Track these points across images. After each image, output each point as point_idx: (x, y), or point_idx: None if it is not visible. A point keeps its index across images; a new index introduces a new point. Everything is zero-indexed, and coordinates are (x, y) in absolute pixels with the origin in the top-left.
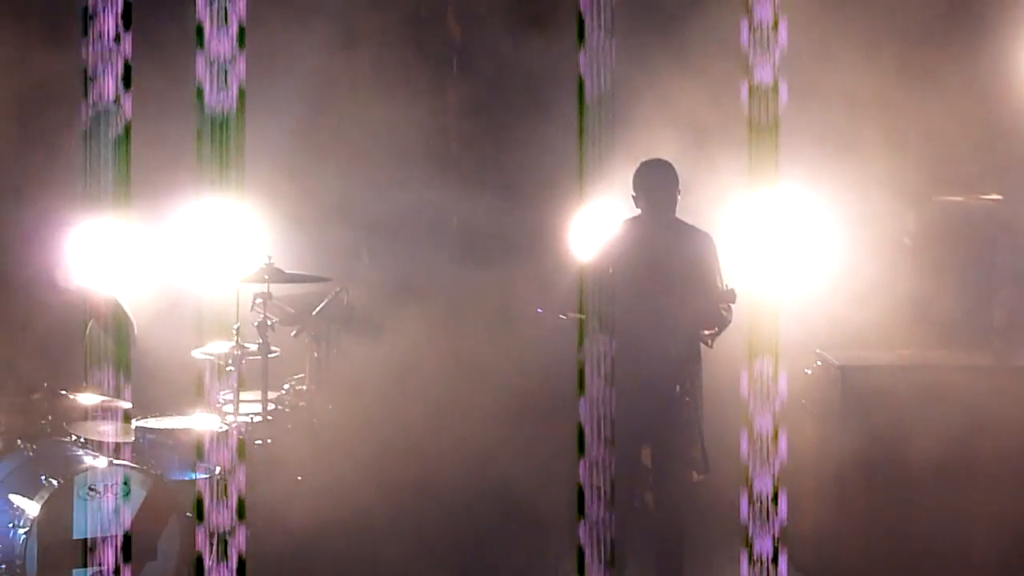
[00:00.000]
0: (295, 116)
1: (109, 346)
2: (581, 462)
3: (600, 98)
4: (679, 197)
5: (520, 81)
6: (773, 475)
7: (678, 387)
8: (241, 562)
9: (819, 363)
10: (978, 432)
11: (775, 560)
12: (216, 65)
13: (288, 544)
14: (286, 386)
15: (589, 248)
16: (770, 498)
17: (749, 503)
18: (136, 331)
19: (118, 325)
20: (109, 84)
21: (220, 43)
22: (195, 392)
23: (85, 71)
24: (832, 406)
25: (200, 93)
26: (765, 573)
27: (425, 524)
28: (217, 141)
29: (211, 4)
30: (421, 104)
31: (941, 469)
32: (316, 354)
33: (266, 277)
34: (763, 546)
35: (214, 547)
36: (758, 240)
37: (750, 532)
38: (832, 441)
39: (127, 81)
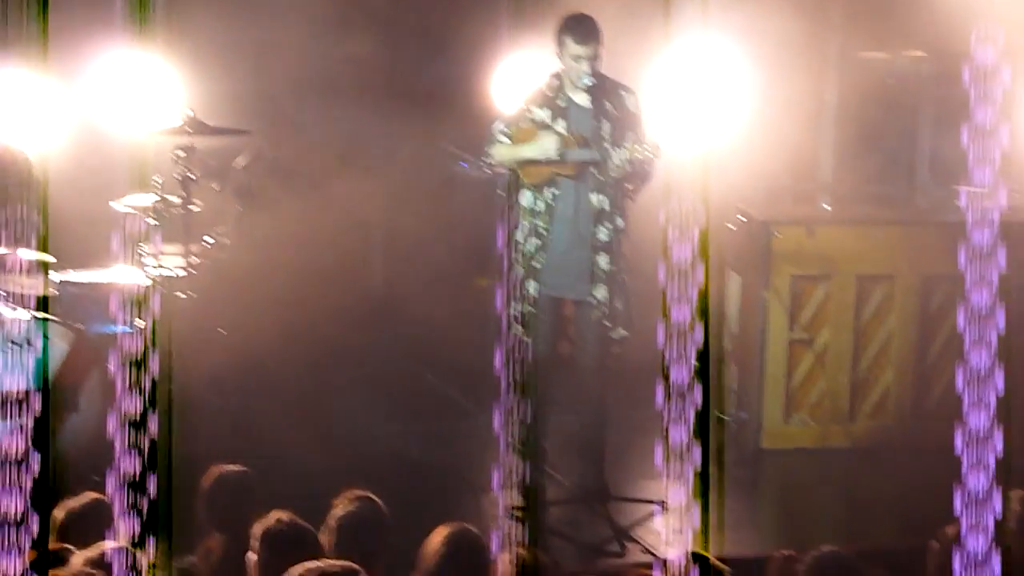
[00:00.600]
0: None
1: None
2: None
3: None
4: (602, 52)
5: None
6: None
7: (601, 239)
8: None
9: (742, 218)
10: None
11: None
12: None
13: (212, 395)
14: (209, 240)
15: (512, 101)
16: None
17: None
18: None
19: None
20: None
21: None
22: (117, 245)
23: None
24: (756, 261)
25: None
26: (679, 461)
27: (342, 380)
28: None
29: None
30: None
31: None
32: (239, 208)
33: (188, 130)
34: (679, 435)
35: (135, 400)
36: (681, 95)
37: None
38: (756, 295)
39: None
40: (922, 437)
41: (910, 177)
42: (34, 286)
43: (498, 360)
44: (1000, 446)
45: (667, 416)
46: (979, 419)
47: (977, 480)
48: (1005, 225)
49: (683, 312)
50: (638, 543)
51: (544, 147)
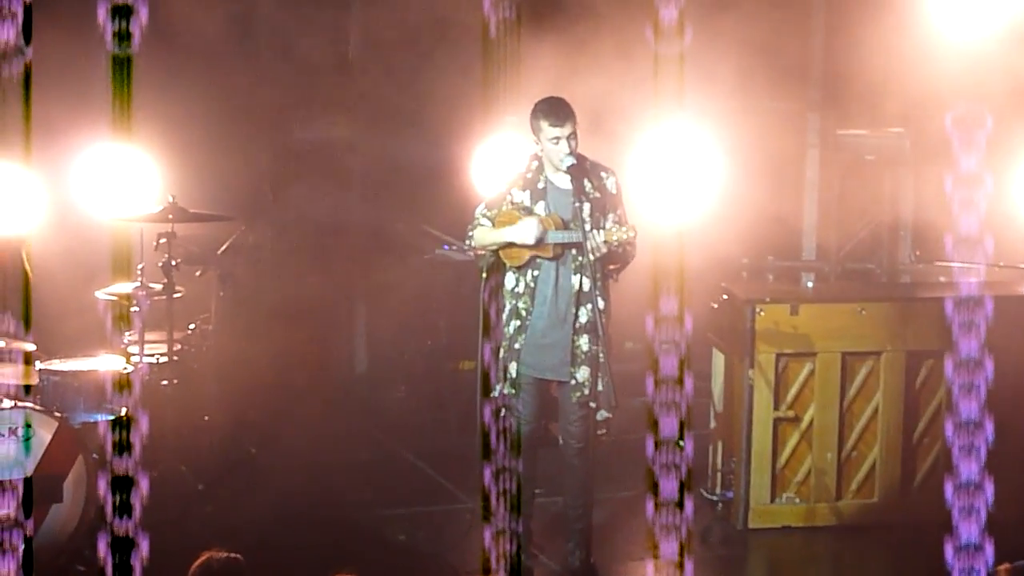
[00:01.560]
0: (197, 57)
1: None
2: (486, 404)
3: (504, 35)
4: (578, 132)
5: (423, 16)
6: (679, 416)
7: (582, 320)
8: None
9: (725, 297)
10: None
11: (680, 503)
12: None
13: (194, 483)
14: (191, 326)
15: (491, 182)
16: (676, 440)
17: (655, 446)
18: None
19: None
20: (9, 30)
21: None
22: (99, 334)
23: None
24: (740, 339)
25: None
26: (673, 514)
27: (330, 463)
28: (118, 85)
29: None
30: (323, 41)
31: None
32: (222, 293)
33: (169, 216)
34: (670, 488)
35: (118, 490)
36: (662, 175)
37: (656, 474)
38: (740, 373)
39: (27, 29)
40: (909, 513)
41: (893, 253)
42: (16, 375)
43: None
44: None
45: (655, 496)
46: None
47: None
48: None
49: (670, 392)
50: None
51: (524, 232)
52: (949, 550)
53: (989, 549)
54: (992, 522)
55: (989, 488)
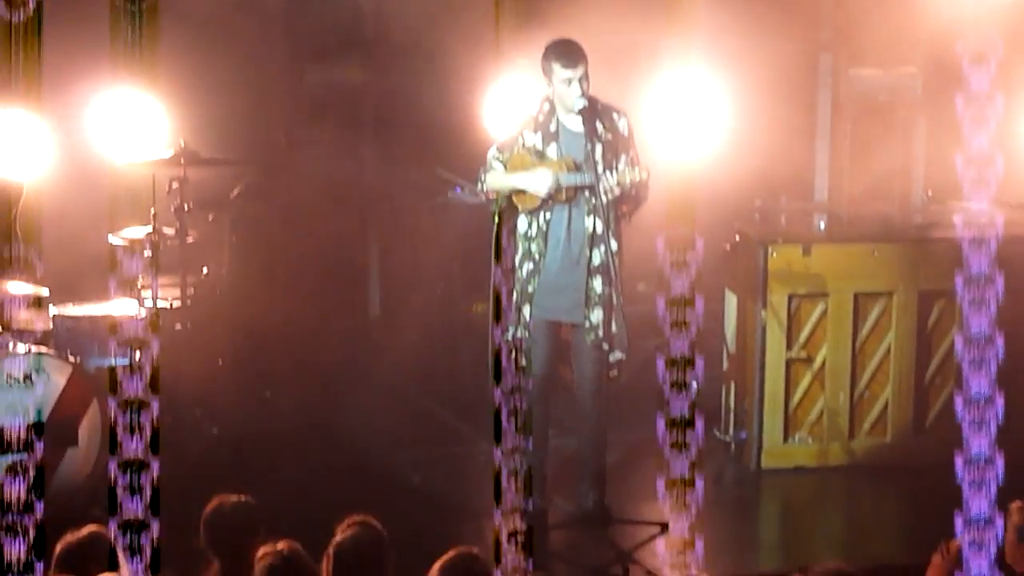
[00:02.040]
0: (204, 4)
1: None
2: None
3: None
4: (589, 74)
5: None
6: (689, 341)
7: (596, 262)
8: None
9: (737, 238)
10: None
11: (691, 424)
12: None
13: (209, 427)
14: (204, 271)
15: (503, 125)
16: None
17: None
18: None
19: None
20: None
21: None
22: (112, 277)
23: None
24: (752, 280)
25: None
26: (686, 455)
27: (344, 406)
28: (129, 30)
29: None
30: None
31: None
32: (234, 239)
33: (181, 160)
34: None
35: (132, 432)
36: (673, 116)
37: (668, 415)
38: (752, 314)
39: None
40: (921, 454)
41: (905, 194)
42: (30, 320)
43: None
44: (1001, 468)
45: (667, 438)
46: (980, 443)
47: (980, 503)
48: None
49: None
50: (641, 565)
51: (537, 183)
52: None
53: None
54: (1006, 460)
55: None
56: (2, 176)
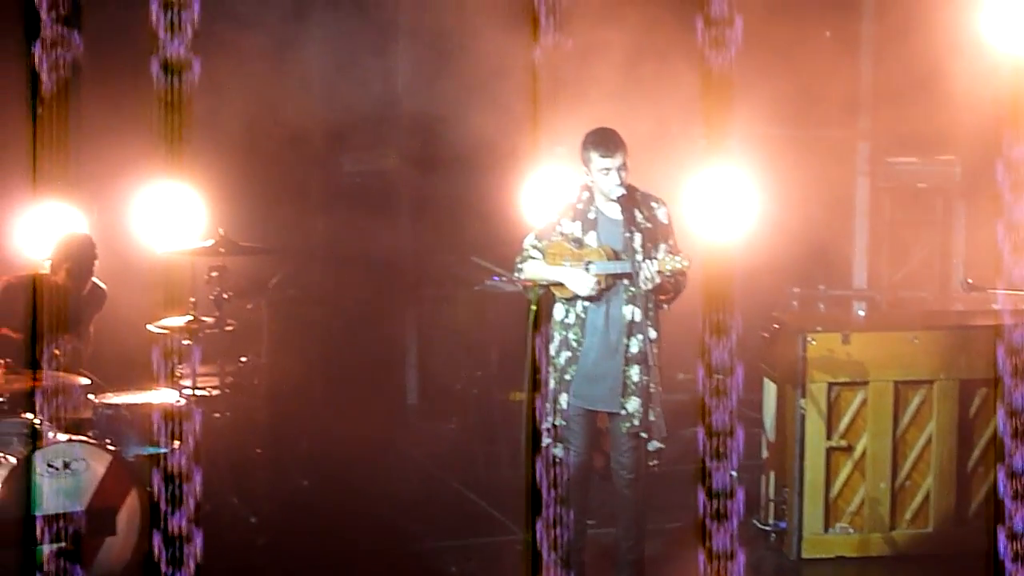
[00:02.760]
0: (242, 97)
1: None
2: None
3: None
4: (628, 163)
5: (467, 44)
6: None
7: (633, 351)
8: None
9: (776, 326)
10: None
11: (733, 534)
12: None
13: (247, 515)
14: (243, 359)
15: (540, 213)
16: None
17: (707, 476)
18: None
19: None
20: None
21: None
22: (152, 367)
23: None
24: (791, 368)
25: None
26: (726, 545)
27: (381, 494)
28: (167, 124)
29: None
30: (368, 74)
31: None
32: (273, 327)
33: (221, 250)
34: (723, 519)
35: (172, 522)
36: (712, 206)
37: (708, 505)
38: (792, 403)
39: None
40: (964, 543)
41: (945, 281)
42: (72, 409)
43: (536, 474)
44: None
45: (707, 527)
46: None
47: None
48: None
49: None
50: None
51: (579, 283)
52: None
53: None
54: None
55: None
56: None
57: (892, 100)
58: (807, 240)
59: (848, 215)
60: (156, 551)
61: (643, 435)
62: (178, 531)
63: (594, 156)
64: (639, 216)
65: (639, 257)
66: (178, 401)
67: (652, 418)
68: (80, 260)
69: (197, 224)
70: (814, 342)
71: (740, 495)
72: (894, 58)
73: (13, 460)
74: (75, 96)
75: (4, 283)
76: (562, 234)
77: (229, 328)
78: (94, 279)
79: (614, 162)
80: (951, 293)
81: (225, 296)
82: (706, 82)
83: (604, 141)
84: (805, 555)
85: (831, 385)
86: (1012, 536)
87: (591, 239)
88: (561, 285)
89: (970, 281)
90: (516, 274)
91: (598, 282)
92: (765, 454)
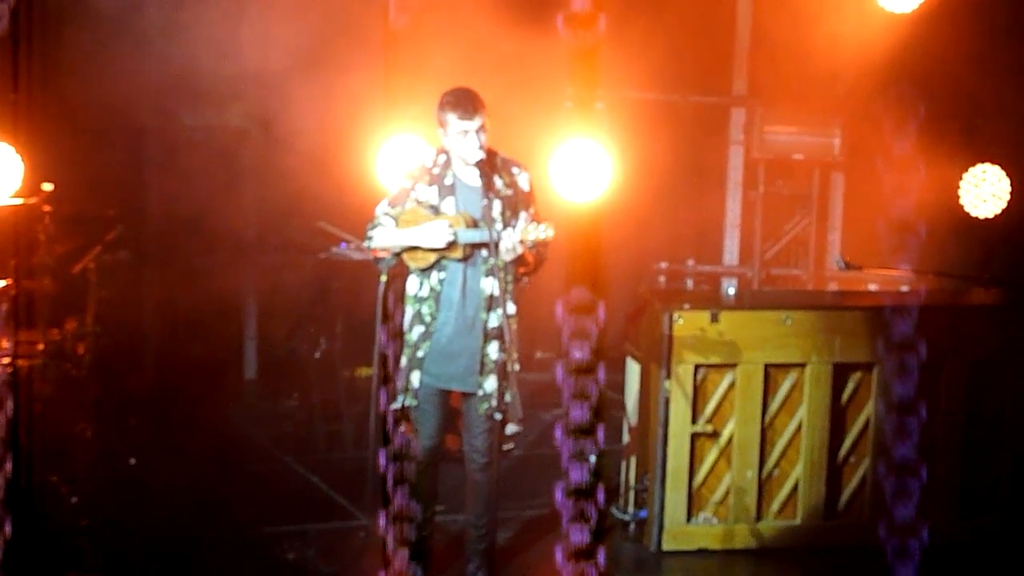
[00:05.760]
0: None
1: None
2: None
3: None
4: (487, 125)
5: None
6: (591, 430)
7: (492, 326)
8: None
9: (641, 303)
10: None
11: (590, 523)
12: None
13: (68, 495)
14: (68, 326)
15: (395, 180)
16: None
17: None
18: None
19: None
20: None
21: None
22: None
23: None
24: (656, 348)
25: None
26: (583, 535)
27: (216, 475)
28: None
29: None
30: (213, 29)
31: None
32: (102, 293)
33: (46, 208)
34: (580, 507)
35: None
36: (575, 174)
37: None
38: (656, 385)
39: None
40: (833, 537)
41: (820, 259)
42: None
43: (382, 458)
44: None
45: (563, 515)
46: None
47: None
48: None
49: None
50: None
51: (432, 236)
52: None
53: None
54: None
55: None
56: None
57: (769, 66)
58: (676, 212)
59: (720, 186)
60: None
61: (498, 417)
62: None
63: (451, 118)
64: (499, 182)
65: (498, 226)
66: None
67: (508, 399)
68: None
69: (21, 180)
70: (681, 320)
71: (598, 483)
72: (772, 20)
73: None
74: None
75: None
76: (417, 200)
77: (53, 292)
78: None
79: (472, 124)
80: (826, 272)
81: (49, 258)
82: (573, 41)
83: (462, 102)
84: (666, 547)
85: (698, 367)
86: (892, 529)
87: (448, 206)
88: (415, 252)
89: (847, 259)
90: (367, 243)
91: (455, 234)
92: (626, 439)
